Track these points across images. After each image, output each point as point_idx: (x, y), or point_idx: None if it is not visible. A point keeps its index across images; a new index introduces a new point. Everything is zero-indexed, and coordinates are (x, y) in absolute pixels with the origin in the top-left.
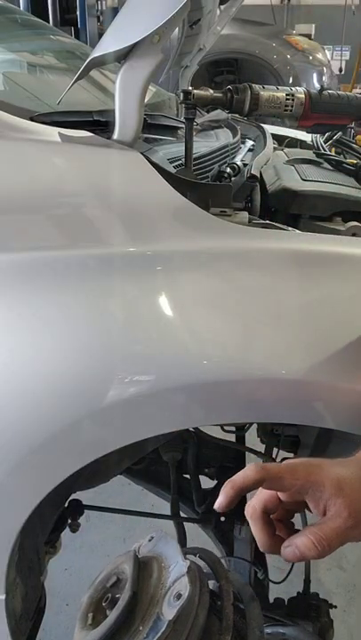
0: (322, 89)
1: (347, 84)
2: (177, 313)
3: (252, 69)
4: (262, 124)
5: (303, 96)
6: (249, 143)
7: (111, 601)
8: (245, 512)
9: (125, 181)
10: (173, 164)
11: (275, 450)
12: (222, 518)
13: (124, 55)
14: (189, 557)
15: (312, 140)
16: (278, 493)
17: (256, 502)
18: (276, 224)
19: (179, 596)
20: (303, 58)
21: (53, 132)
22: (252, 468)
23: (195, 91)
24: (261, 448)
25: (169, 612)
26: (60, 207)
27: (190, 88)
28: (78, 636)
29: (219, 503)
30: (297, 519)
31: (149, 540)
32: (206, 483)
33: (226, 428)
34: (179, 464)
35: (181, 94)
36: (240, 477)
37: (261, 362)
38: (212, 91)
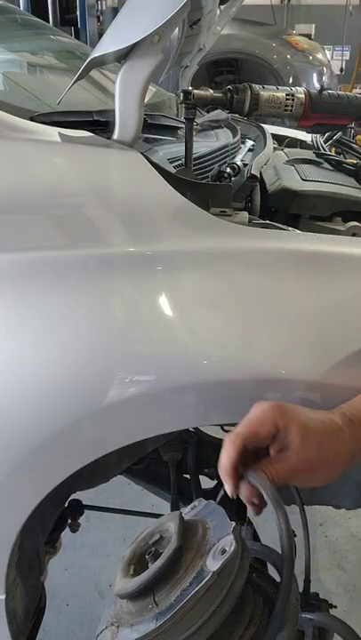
0: (322, 89)
1: (347, 84)
2: (177, 313)
3: (252, 69)
4: (262, 124)
5: (303, 96)
6: (249, 143)
7: (154, 554)
8: (226, 441)
9: (125, 181)
10: (173, 164)
11: None
12: None
13: (124, 55)
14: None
15: (312, 140)
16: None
17: (225, 460)
18: (276, 224)
19: (223, 551)
20: (303, 58)
21: (53, 132)
22: (229, 445)
23: (195, 91)
24: None
25: (213, 564)
26: (60, 207)
27: (190, 88)
28: (121, 582)
29: (229, 492)
30: (297, 521)
31: (192, 508)
32: (206, 483)
33: (226, 427)
34: (179, 464)
35: (181, 94)
36: (226, 461)
37: (261, 362)
38: (212, 91)
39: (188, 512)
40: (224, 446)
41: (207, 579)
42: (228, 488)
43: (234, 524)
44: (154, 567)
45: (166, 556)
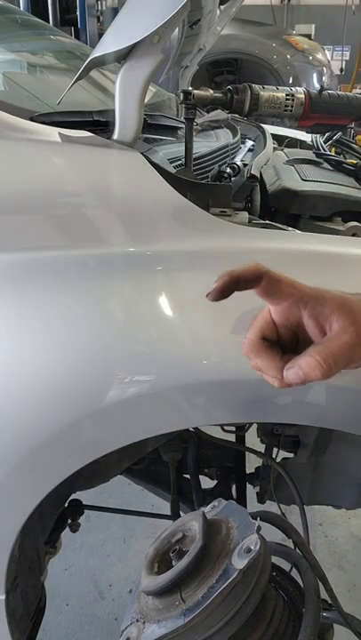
0: (322, 89)
1: (347, 84)
2: (177, 313)
3: (252, 69)
4: (262, 124)
5: (303, 96)
6: (249, 143)
7: (178, 552)
8: (243, 350)
9: (125, 181)
10: (173, 164)
11: (275, 450)
12: None
13: (124, 55)
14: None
15: (312, 140)
16: (273, 316)
17: (251, 333)
18: (276, 224)
19: (249, 550)
20: (303, 58)
21: (53, 132)
22: (253, 263)
23: (195, 91)
24: (261, 448)
25: (239, 562)
26: (60, 207)
27: (190, 88)
28: (146, 580)
29: (212, 288)
30: (297, 521)
31: (212, 508)
32: (206, 483)
33: (226, 427)
34: (179, 464)
35: (181, 94)
36: (239, 268)
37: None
38: (212, 91)
39: (208, 511)
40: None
41: (234, 576)
42: (216, 284)
43: (257, 523)
44: (180, 565)
45: (193, 554)
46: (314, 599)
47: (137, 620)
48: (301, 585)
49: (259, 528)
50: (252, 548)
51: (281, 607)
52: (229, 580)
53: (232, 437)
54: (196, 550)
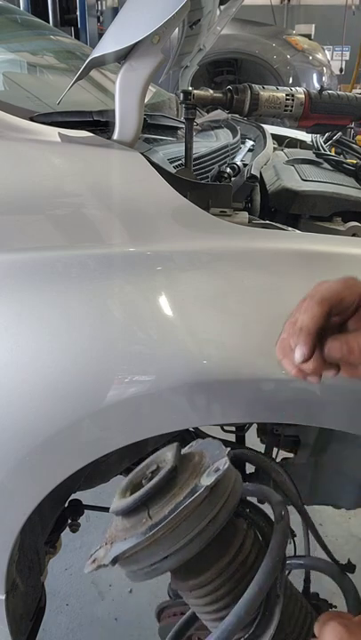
0: (322, 89)
1: (347, 84)
2: (177, 313)
3: (252, 69)
4: (262, 124)
5: (303, 96)
6: (249, 143)
7: (150, 479)
8: (299, 333)
9: (125, 181)
10: (173, 164)
11: (275, 450)
12: None
13: (124, 55)
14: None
15: (312, 140)
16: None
17: (309, 321)
18: (276, 224)
19: (217, 470)
20: (303, 58)
21: (53, 132)
22: (315, 306)
23: (195, 91)
24: (261, 448)
25: (207, 480)
26: (60, 207)
27: (190, 88)
28: (116, 502)
29: (305, 355)
30: (297, 521)
31: (190, 447)
32: None
33: (226, 427)
34: None
35: (181, 94)
36: (310, 321)
37: (261, 362)
38: (212, 91)
39: (185, 450)
40: (307, 308)
41: (200, 491)
42: (303, 350)
43: (228, 449)
44: (150, 484)
45: (162, 474)
46: (283, 526)
47: (105, 544)
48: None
49: (230, 453)
50: (220, 467)
51: (251, 539)
52: (196, 495)
53: (232, 437)
54: (166, 470)
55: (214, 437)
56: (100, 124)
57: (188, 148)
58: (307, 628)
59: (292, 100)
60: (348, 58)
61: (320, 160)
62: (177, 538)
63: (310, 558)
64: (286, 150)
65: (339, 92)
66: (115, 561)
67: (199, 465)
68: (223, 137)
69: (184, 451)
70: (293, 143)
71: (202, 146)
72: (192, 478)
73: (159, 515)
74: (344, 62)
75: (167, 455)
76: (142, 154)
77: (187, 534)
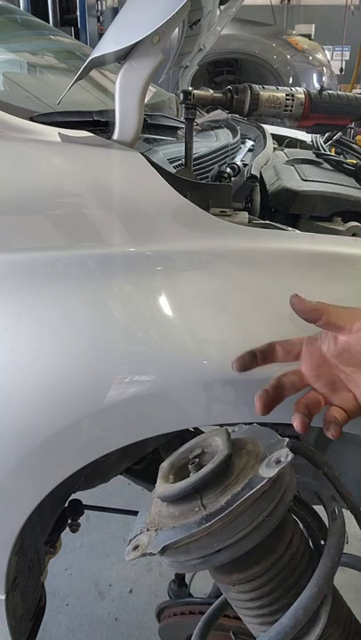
0: (322, 89)
1: (347, 84)
2: (177, 313)
3: (252, 69)
4: (262, 124)
5: (303, 96)
6: (249, 143)
7: (198, 465)
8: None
9: (125, 181)
10: (173, 164)
11: None
12: None
13: (124, 55)
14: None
15: (312, 140)
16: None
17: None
18: (276, 224)
19: (278, 461)
20: (303, 58)
21: (53, 132)
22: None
23: (195, 91)
24: None
25: (268, 471)
26: (60, 207)
27: (190, 88)
28: (162, 487)
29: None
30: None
31: (233, 432)
32: None
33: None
34: None
35: (181, 94)
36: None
37: None
38: (212, 91)
39: (233, 435)
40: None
41: (263, 483)
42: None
43: (287, 439)
44: (203, 470)
45: (217, 461)
46: (338, 525)
47: (147, 529)
48: (323, 519)
49: (288, 443)
50: (282, 459)
51: (299, 535)
52: (258, 487)
53: None
54: (222, 457)
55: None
56: (100, 124)
57: (188, 148)
58: (348, 629)
59: (292, 99)
60: (348, 58)
61: (320, 160)
62: (233, 531)
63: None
64: (286, 150)
65: (339, 92)
66: (163, 550)
67: (254, 453)
68: (223, 137)
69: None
70: (293, 143)
71: (202, 146)
72: (248, 468)
73: (214, 505)
74: (344, 62)
75: (215, 440)
76: (142, 154)
77: (243, 528)
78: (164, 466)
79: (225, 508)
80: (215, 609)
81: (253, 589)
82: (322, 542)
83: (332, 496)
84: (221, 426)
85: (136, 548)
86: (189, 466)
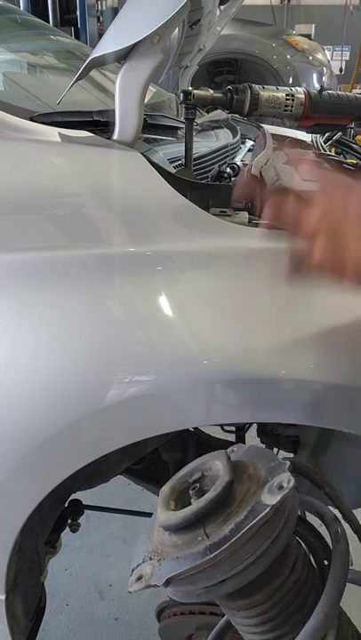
0: (322, 89)
1: (347, 84)
2: (177, 313)
3: (252, 69)
4: (262, 124)
5: (303, 96)
6: (249, 143)
7: (199, 490)
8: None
9: (125, 181)
10: (173, 164)
11: (275, 450)
12: None
13: (124, 55)
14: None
15: (312, 140)
16: None
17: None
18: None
19: (281, 487)
20: (303, 58)
21: (53, 132)
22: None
23: (195, 91)
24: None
25: (271, 498)
26: (60, 207)
27: (190, 88)
28: (164, 515)
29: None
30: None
31: (232, 452)
32: None
33: (226, 427)
34: (179, 464)
35: (181, 94)
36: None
37: (261, 362)
38: (212, 91)
39: (233, 457)
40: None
41: (266, 511)
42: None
43: (288, 462)
44: (205, 498)
45: (219, 488)
46: (342, 548)
47: (150, 559)
48: (325, 538)
49: (290, 467)
50: (285, 485)
51: (303, 557)
52: (261, 515)
53: (232, 437)
54: (223, 483)
55: (215, 438)
56: (100, 124)
57: (188, 148)
58: None
59: (292, 100)
60: (348, 58)
61: (320, 160)
62: (237, 561)
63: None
64: (286, 150)
65: (339, 92)
66: (168, 582)
67: (255, 478)
68: (223, 137)
69: (230, 454)
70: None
71: (202, 146)
72: (250, 494)
73: (217, 534)
74: (344, 62)
75: (216, 464)
76: (142, 154)
77: (247, 557)
78: (165, 490)
79: (229, 538)
80: (222, 627)
81: (259, 614)
82: (325, 562)
83: (334, 517)
84: (221, 426)
85: (140, 578)
86: (190, 491)
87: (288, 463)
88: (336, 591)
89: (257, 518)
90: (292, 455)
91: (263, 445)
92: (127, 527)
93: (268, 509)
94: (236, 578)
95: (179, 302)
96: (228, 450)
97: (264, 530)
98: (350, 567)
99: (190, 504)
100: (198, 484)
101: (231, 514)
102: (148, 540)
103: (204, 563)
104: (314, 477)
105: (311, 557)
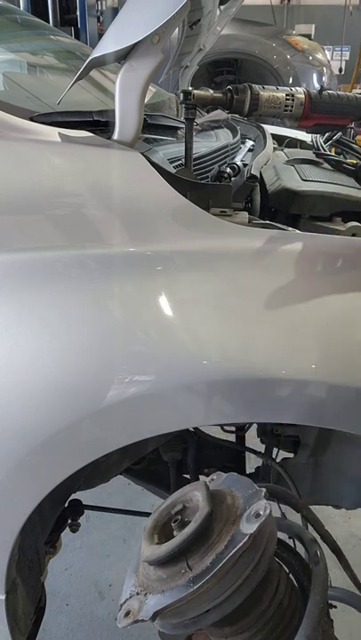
0: (322, 89)
1: (346, 84)
2: (177, 313)
3: (252, 69)
4: (262, 124)
5: (303, 96)
6: (249, 143)
7: (180, 522)
8: None
9: (125, 181)
10: (173, 164)
11: (275, 450)
12: None
13: (124, 55)
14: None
15: (312, 140)
16: None
17: None
18: (276, 224)
19: (258, 515)
20: (303, 58)
21: (53, 132)
22: None
23: (195, 91)
24: (261, 448)
25: (248, 527)
26: (60, 207)
27: (190, 88)
28: (148, 550)
29: None
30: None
31: (211, 480)
32: None
33: (226, 427)
34: (179, 464)
35: (181, 94)
36: None
37: (261, 362)
38: (212, 91)
39: (209, 483)
40: None
41: (245, 540)
42: None
43: (264, 490)
44: (187, 531)
45: (200, 520)
46: (321, 569)
47: (137, 593)
48: (305, 559)
49: (266, 494)
50: (261, 512)
51: (285, 579)
52: (240, 545)
53: (232, 437)
54: (203, 516)
55: (214, 437)
56: (100, 124)
57: (188, 148)
58: None
59: (292, 100)
60: (348, 58)
61: (320, 160)
62: (220, 590)
63: (339, 590)
64: (286, 150)
65: (339, 92)
66: (155, 616)
67: (233, 507)
68: (223, 137)
69: (209, 484)
70: (293, 143)
71: (202, 146)
72: (229, 524)
73: (200, 566)
74: (344, 62)
75: (195, 495)
76: (142, 154)
77: (231, 585)
78: (148, 524)
79: (211, 569)
80: None
81: (247, 639)
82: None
83: (312, 539)
84: (221, 426)
85: (128, 614)
86: (172, 524)
87: (265, 490)
88: (317, 612)
89: (235, 548)
90: (292, 455)
91: (263, 446)
92: (127, 527)
93: (245, 539)
94: (221, 606)
95: (179, 302)
96: (208, 479)
97: (244, 558)
98: (332, 586)
99: (174, 536)
100: (180, 516)
101: (212, 545)
102: (133, 575)
103: (188, 595)
104: (291, 501)
105: (293, 578)
